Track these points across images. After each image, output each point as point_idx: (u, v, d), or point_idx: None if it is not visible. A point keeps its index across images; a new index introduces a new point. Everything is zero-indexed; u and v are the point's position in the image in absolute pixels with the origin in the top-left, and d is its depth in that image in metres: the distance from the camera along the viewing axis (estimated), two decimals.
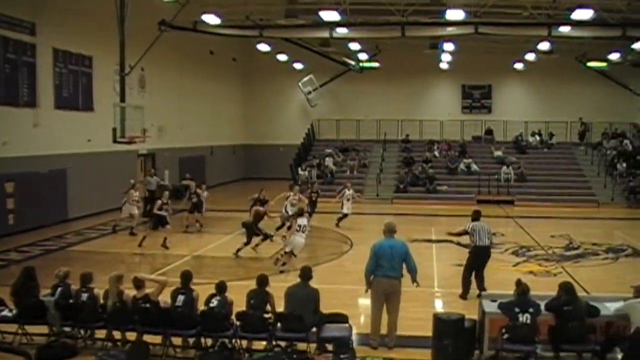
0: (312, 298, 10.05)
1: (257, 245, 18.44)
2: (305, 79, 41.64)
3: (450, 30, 27.60)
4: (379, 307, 10.68)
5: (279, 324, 9.89)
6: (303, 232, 16.20)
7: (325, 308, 10.25)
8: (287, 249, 16.19)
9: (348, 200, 23.79)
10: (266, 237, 18.61)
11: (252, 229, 18.26)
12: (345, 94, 42.28)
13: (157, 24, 26.40)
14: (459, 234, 14.99)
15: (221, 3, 26.75)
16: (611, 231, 23.67)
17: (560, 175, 33.92)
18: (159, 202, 19.78)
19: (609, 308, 10.09)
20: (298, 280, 10.34)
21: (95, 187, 25.12)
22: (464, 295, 13.83)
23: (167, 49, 28.90)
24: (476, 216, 14.28)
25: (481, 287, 13.68)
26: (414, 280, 10.92)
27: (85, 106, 25.37)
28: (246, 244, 18.16)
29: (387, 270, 10.56)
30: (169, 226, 19.72)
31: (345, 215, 23.77)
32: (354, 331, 10.43)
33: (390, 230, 11.03)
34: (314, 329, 9.89)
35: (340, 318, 10.11)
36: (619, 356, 9.46)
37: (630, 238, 21.57)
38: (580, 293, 12.19)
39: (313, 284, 10.38)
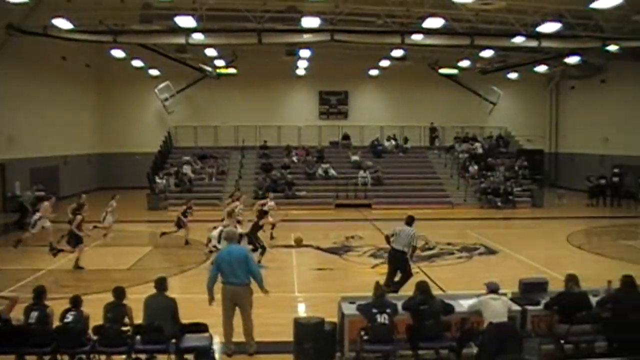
0: (169, 308, 9.83)
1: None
2: (162, 85, 40.74)
3: (307, 37, 27.77)
4: (228, 315, 10.62)
5: (138, 336, 9.59)
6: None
7: (186, 318, 10.03)
8: None
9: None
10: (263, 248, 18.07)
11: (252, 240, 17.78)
12: (203, 100, 41.75)
13: (4, 28, 25.12)
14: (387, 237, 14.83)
15: (73, 7, 25.64)
16: (465, 231, 24.54)
17: (415, 178, 35.03)
18: (79, 217, 18.35)
19: (463, 305, 10.43)
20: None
21: None
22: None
23: (18, 55, 27.58)
24: (407, 220, 14.51)
25: (388, 285, 13.56)
26: (260, 287, 10.78)
27: None
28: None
29: (229, 277, 10.51)
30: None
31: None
32: (215, 340, 10.29)
33: (229, 238, 11.25)
34: (174, 340, 9.66)
35: (200, 327, 9.92)
36: (474, 350, 9.77)
37: (483, 237, 22.46)
38: (436, 291, 12.55)
39: (174, 293, 10.15)
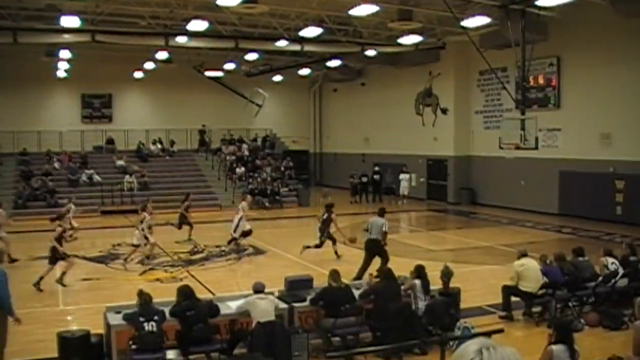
0: None
1: None
2: None
3: (67, 37, 26.61)
4: None
5: None
6: None
7: None
8: None
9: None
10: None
11: None
12: None
13: None
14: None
15: None
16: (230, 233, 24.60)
17: (183, 182, 34.56)
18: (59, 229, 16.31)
19: (232, 307, 10.48)
20: None
21: None
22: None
23: None
24: (379, 212, 17.02)
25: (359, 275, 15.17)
26: (9, 314, 9.55)
27: None
28: None
29: None
30: None
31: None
32: None
33: None
34: None
35: None
36: (245, 350, 9.84)
37: (252, 238, 22.52)
38: (207, 295, 12.54)
39: None
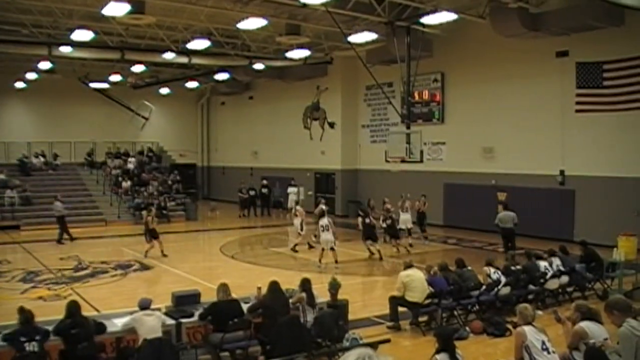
0: None
1: None
2: None
3: None
4: None
5: None
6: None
7: None
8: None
9: None
10: None
11: None
12: None
13: None
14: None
15: None
16: (119, 248, 24.10)
17: (67, 196, 33.24)
18: None
19: (117, 324, 10.23)
20: None
21: None
22: None
23: None
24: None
25: None
26: None
27: None
28: None
29: None
30: None
31: None
32: None
33: None
34: None
35: None
36: None
37: (138, 253, 22.18)
38: (91, 312, 12.19)
39: None
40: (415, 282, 12.58)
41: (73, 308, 9.76)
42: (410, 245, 23.26)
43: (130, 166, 37.78)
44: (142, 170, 37.74)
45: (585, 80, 22.90)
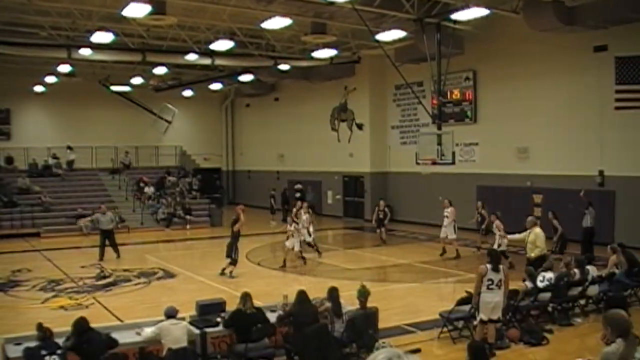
0: None
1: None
2: None
3: None
4: None
5: None
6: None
7: None
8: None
9: None
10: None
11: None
12: None
13: None
14: None
15: None
16: (143, 255, 23.56)
17: (88, 203, 32.60)
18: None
19: (142, 333, 9.92)
20: None
21: None
22: None
23: None
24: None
25: None
26: None
27: None
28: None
29: None
30: None
31: None
32: None
33: None
34: None
35: None
36: None
37: (161, 260, 21.72)
38: (114, 322, 11.70)
39: None
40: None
41: (81, 325, 9.31)
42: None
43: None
44: (166, 174, 36.95)
45: (625, 75, 22.01)
